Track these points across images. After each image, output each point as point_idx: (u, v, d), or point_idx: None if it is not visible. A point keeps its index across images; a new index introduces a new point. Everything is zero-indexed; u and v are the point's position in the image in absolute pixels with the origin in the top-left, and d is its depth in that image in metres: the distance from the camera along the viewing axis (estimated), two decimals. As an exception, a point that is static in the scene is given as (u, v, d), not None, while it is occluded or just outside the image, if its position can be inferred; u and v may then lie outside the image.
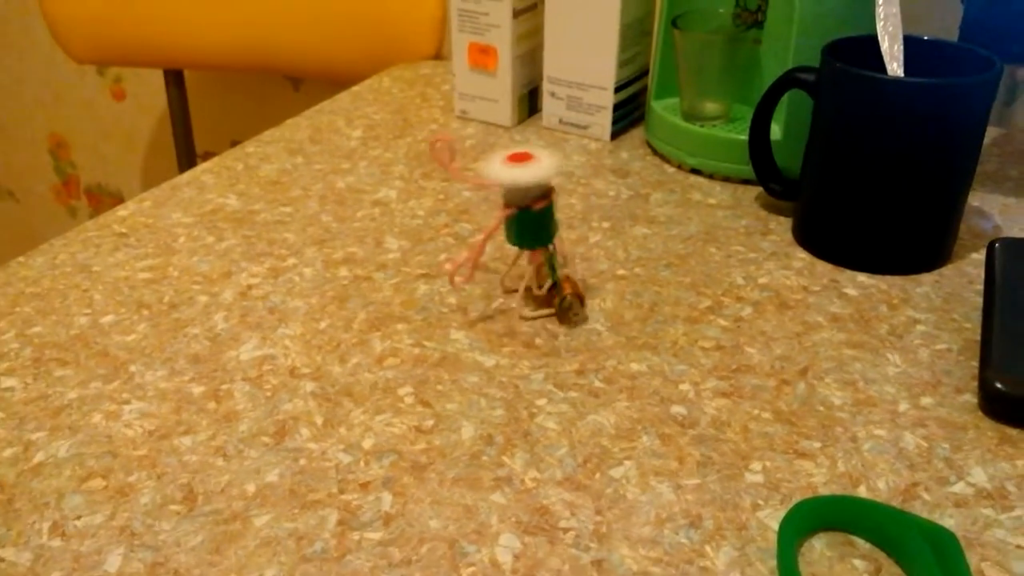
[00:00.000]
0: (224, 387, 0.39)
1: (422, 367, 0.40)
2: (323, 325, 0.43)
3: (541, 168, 0.41)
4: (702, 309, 0.45)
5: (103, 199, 1.39)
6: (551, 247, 0.43)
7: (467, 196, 0.57)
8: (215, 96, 1.18)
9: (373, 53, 0.89)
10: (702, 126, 0.59)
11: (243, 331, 0.43)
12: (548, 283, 0.44)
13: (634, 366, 0.40)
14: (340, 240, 0.52)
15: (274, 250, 0.50)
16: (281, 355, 0.41)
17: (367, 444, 0.36)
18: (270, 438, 0.36)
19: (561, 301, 0.43)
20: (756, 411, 0.37)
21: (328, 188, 0.58)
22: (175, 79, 1.04)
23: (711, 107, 0.60)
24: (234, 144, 1.22)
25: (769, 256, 0.50)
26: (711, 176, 0.59)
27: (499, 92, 0.67)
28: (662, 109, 0.62)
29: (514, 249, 0.50)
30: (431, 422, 0.37)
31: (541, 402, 0.38)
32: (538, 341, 0.42)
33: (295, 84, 1.11)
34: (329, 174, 0.60)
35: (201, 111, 1.20)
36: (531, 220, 0.42)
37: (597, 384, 0.39)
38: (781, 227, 0.53)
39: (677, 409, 0.37)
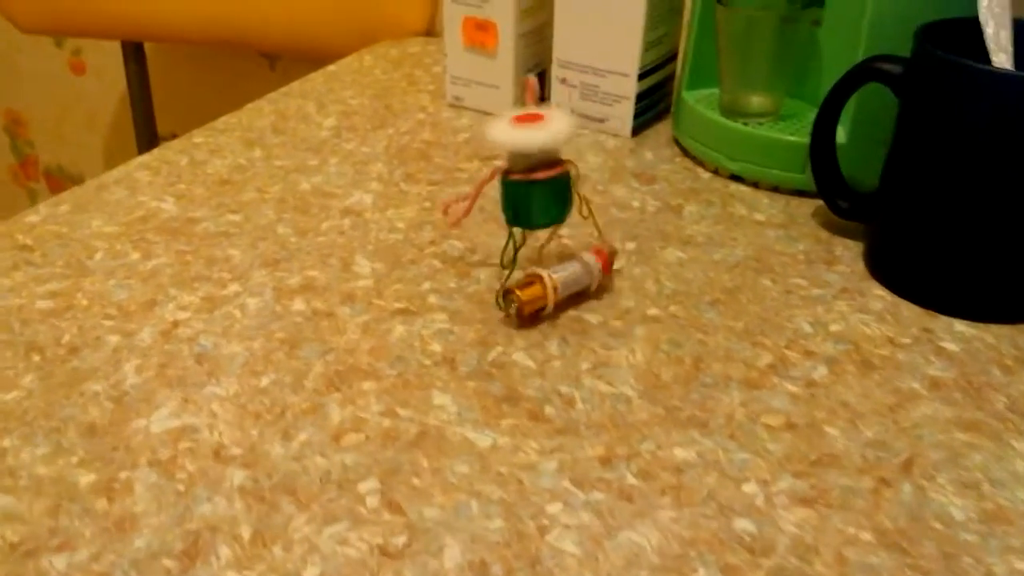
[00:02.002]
0: (123, 476, 0.29)
1: (393, 448, 0.30)
2: (265, 382, 0.33)
3: (561, 124, 0.34)
4: (762, 368, 0.34)
5: (63, 183, 1.28)
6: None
7: (459, 205, 0.46)
8: (181, 74, 1.07)
9: (356, 27, 0.78)
10: (746, 124, 0.49)
11: (159, 388, 0.33)
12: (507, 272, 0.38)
13: (679, 452, 0.30)
14: (298, 260, 0.41)
15: (213, 273, 0.40)
16: (205, 426, 0.31)
17: (310, 576, 0.25)
18: (174, 561, 0.26)
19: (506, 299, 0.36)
20: (851, 529, 0.27)
21: (289, 190, 0.47)
22: (134, 53, 0.93)
23: (757, 101, 0.49)
24: (204, 126, 1.10)
25: (839, 293, 0.39)
26: (755, 185, 0.49)
27: (499, 76, 0.56)
28: (696, 102, 0.51)
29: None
30: (402, 539, 0.27)
31: (554, 508, 0.28)
32: (548, 410, 0.32)
33: (271, 62, 1.00)
34: (292, 172, 0.49)
35: (165, 90, 1.09)
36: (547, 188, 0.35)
37: (630, 480, 0.29)
38: (849, 254, 0.42)
39: (743, 524, 0.27)
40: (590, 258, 0.38)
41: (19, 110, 1.25)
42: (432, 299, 0.38)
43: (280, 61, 0.98)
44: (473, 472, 0.29)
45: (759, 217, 0.46)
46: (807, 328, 0.37)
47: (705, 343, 0.36)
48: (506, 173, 0.36)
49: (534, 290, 0.36)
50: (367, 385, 0.33)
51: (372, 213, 0.45)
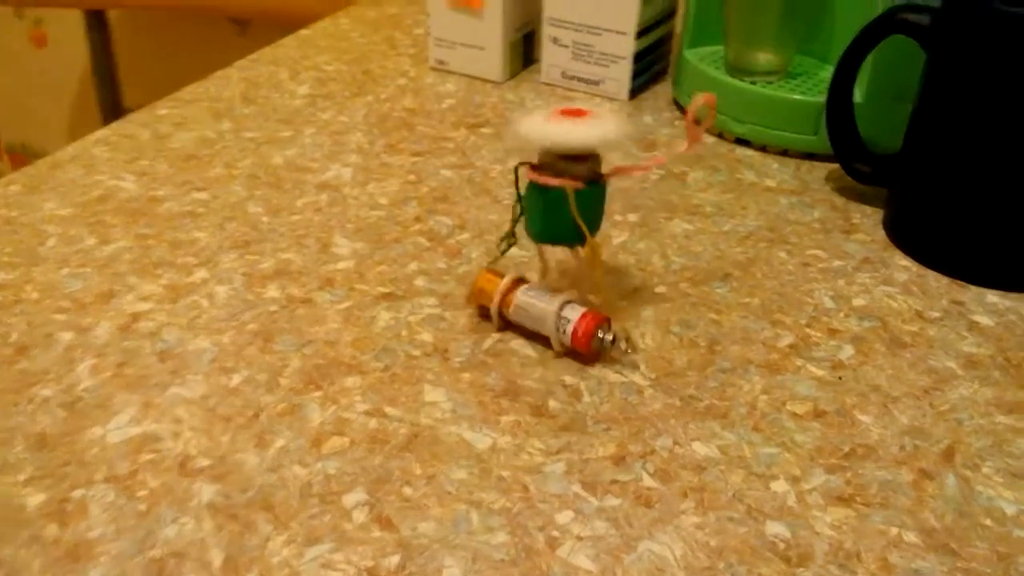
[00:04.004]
0: (76, 495, 0.26)
1: (381, 453, 0.27)
2: (236, 381, 0.30)
3: (611, 122, 0.30)
4: (783, 349, 0.31)
5: (27, 162, 1.23)
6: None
7: (446, 176, 0.43)
8: (146, 43, 1.01)
9: (329, -11, 0.74)
10: (753, 82, 0.45)
11: (117, 392, 0.29)
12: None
13: (698, 448, 0.27)
14: (271, 242, 0.38)
15: (177, 258, 0.36)
16: (169, 434, 0.28)
17: (291, 606, 0.22)
18: (136, 594, 0.23)
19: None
20: (894, 529, 0.25)
21: (261, 165, 0.44)
22: (96, 21, 0.88)
23: (765, 58, 0.46)
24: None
25: (860, 264, 0.36)
26: (763, 148, 0.46)
27: (486, 37, 0.52)
28: (699, 60, 0.48)
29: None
30: (395, 559, 0.24)
31: (564, 518, 0.25)
32: (552, 404, 0.29)
33: (241, 27, 0.95)
34: (263, 145, 0.46)
35: (131, 61, 1.03)
36: (593, 198, 0.31)
37: (647, 481, 0.26)
38: (869, 222, 0.39)
39: (775, 529, 0.25)
40: (571, 312, 0.30)
41: (-21, 86, 1.19)
42: (419, 282, 0.35)
43: (251, 26, 0.93)
44: (472, 478, 0.26)
45: (769, 183, 0.43)
46: (828, 303, 0.34)
47: (719, 323, 0.33)
48: (536, 172, 0.30)
49: (490, 282, 0.32)
50: (350, 381, 0.30)
51: (351, 188, 0.42)
